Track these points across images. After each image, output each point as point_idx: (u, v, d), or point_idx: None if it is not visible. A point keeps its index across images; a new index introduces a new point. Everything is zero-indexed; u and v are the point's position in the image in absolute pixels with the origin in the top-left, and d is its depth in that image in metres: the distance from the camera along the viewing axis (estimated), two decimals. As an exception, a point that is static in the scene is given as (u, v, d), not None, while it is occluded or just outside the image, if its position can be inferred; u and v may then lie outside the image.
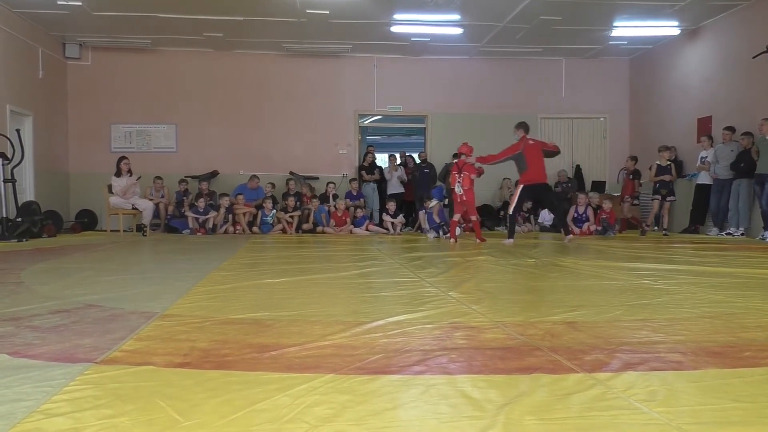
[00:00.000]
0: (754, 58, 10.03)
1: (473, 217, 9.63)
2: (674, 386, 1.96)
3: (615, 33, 12.22)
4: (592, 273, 5.32)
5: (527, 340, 2.59)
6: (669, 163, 11.06)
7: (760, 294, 3.95)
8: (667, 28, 11.95)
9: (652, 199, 11.12)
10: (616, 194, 12.91)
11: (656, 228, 11.44)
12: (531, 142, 8.85)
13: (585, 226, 11.21)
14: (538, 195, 9.48)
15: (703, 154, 11.17)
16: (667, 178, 10.91)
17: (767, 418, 1.68)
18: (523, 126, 8.99)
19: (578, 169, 14.25)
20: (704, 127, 11.73)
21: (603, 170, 14.27)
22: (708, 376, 2.10)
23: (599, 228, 11.36)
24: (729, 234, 10.13)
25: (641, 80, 14.11)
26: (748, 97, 10.62)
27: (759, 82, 10.28)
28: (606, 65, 14.38)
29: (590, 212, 11.50)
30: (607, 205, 11.66)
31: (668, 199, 11.03)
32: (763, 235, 9.56)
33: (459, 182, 9.34)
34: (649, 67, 13.73)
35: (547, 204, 10.28)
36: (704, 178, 11.11)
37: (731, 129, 10.55)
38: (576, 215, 11.31)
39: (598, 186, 13.33)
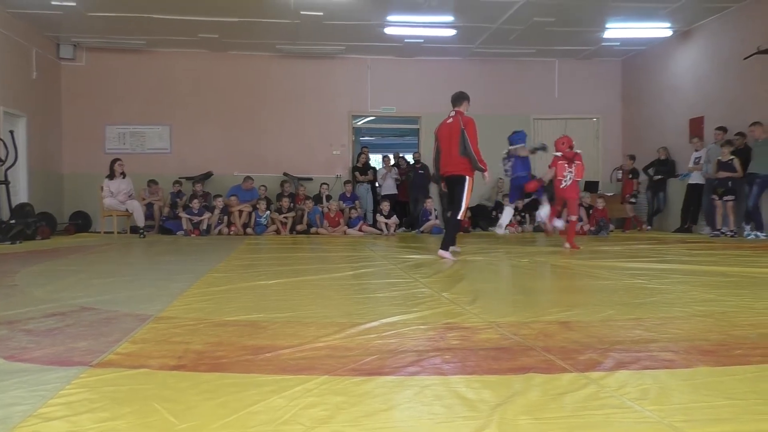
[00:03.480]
0: (745, 59, 10.09)
1: (573, 217, 8.14)
2: (666, 384, 1.97)
3: (608, 34, 12.28)
4: (586, 273, 5.34)
5: (521, 340, 2.61)
6: (732, 158, 10.11)
7: (751, 292, 3.98)
8: (660, 29, 12.01)
9: (710, 198, 10.56)
10: (608, 194, 12.98)
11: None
12: (449, 120, 6.80)
13: (579, 226, 11.24)
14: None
15: (695, 154, 11.24)
16: (722, 175, 10.19)
17: (758, 414, 1.69)
18: (451, 100, 7.01)
19: (571, 169, 14.29)
20: (696, 127, 11.79)
21: (596, 170, 14.31)
22: (700, 374, 2.12)
23: (593, 228, 11.40)
24: (721, 233, 10.18)
25: (634, 81, 14.17)
26: (739, 98, 10.68)
27: (750, 83, 10.34)
28: (599, 66, 14.44)
29: (583, 212, 11.55)
30: (600, 204, 11.72)
31: (725, 198, 10.23)
32: (748, 233, 9.65)
33: (571, 172, 7.89)
34: (642, 68, 13.79)
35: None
36: (696, 178, 11.17)
37: (723, 129, 10.61)
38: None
39: (592, 186, 13.38)
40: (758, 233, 9.55)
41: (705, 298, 3.76)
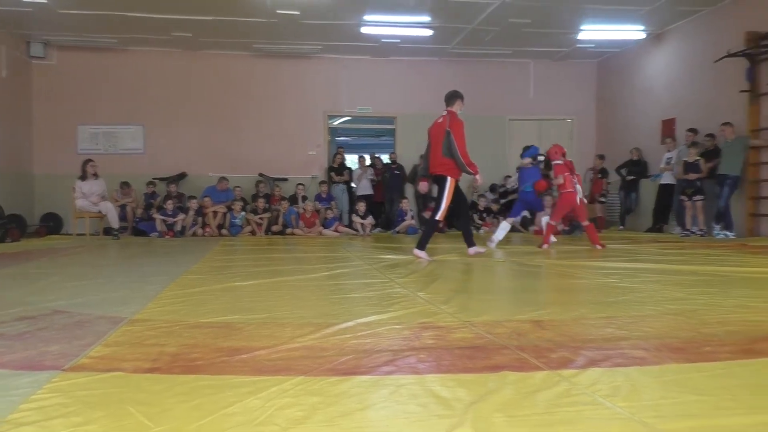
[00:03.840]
0: (716, 62, 10.28)
1: (586, 222, 8.11)
2: (637, 381, 2.01)
3: (582, 36, 12.42)
4: (559, 272, 5.41)
5: (495, 339, 2.63)
6: (698, 159, 10.25)
7: (720, 291, 4.06)
8: (633, 32, 12.18)
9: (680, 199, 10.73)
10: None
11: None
12: (439, 120, 6.76)
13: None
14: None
15: (668, 155, 11.42)
16: (691, 176, 10.33)
17: (726, 410, 1.73)
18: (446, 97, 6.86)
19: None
20: (668, 128, 11.99)
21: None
22: (669, 371, 2.16)
23: (566, 228, 11.52)
24: (691, 232, 10.36)
25: (608, 83, 14.35)
26: (710, 100, 10.88)
27: (721, 86, 10.53)
28: (573, 68, 14.60)
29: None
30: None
31: (695, 198, 10.36)
32: (718, 232, 9.85)
33: (575, 182, 7.92)
34: (616, 70, 13.98)
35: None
36: (668, 179, 11.35)
37: (694, 131, 10.80)
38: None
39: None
40: (728, 233, 9.74)
41: (675, 297, 3.83)
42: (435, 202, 6.75)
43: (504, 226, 8.57)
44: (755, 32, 9.70)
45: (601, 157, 13.02)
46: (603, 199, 12.77)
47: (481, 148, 13.94)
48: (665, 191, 11.46)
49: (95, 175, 11.04)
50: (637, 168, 12.52)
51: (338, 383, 2.02)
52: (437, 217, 6.66)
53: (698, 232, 10.27)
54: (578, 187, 7.96)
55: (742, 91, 9.95)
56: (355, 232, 12.22)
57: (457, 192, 6.68)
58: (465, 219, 7.38)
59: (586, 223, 8.10)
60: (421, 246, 6.58)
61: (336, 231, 12.18)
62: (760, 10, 9.77)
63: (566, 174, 7.93)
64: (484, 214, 12.89)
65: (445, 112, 6.72)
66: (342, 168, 13.51)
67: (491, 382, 2.00)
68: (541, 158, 8.85)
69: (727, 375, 2.10)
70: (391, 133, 14.87)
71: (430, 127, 6.85)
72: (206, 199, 12.17)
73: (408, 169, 13.69)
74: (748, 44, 9.77)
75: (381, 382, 2.04)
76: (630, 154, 12.63)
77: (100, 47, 12.87)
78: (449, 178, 6.55)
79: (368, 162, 13.82)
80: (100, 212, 10.98)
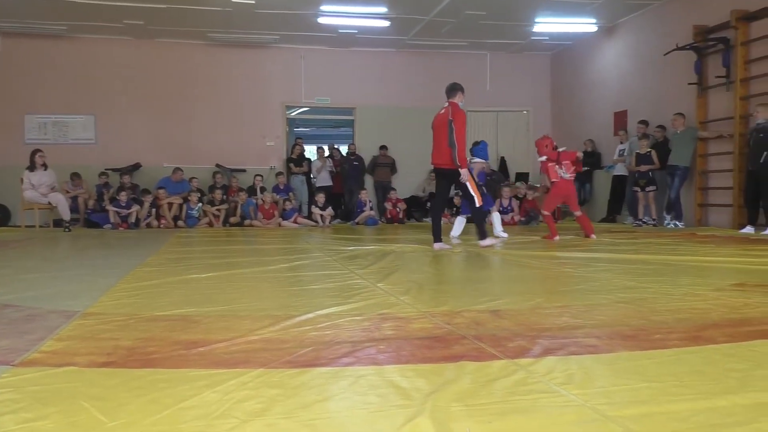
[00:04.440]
0: (665, 55, 10.53)
1: (578, 213, 8.07)
2: (590, 369, 2.06)
3: (537, 29, 12.57)
4: (516, 262, 5.49)
5: (453, 329, 2.67)
6: (649, 150, 10.50)
7: (670, 279, 4.17)
8: (586, 25, 12.39)
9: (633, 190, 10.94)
10: (537, 185, 13.32)
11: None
12: (441, 111, 6.81)
13: (509, 216, 11.51)
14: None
15: (620, 146, 11.68)
16: (643, 168, 10.52)
17: (674, 396, 1.79)
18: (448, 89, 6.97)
19: (503, 160, 14.63)
20: (620, 120, 12.25)
21: (526, 162, 14.66)
22: (621, 358, 2.22)
23: (523, 218, 11.70)
24: (643, 222, 10.63)
25: (562, 75, 14.58)
26: (660, 93, 11.15)
27: (670, 78, 10.81)
28: (529, 60, 14.78)
29: (515, 203, 11.85)
30: (530, 195, 12.03)
31: (647, 189, 10.55)
32: (668, 222, 10.13)
33: (562, 169, 7.79)
34: (569, 62, 14.21)
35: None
36: (621, 170, 11.61)
37: (645, 123, 11.07)
38: (501, 208, 11.59)
39: (522, 177, 13.72)
40: (677, 222, 10.02)
41: (627, 286, 3.93)
42: (465, 196, 6.82)
43: (460, 220, 8.64)
44: (702, 26, 9.97)
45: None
46: None
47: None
48: (618, 182, 11.72)
49: (44, 166, 10.72)
50: (590, 159, 12.75)
51: (298, 375, 2.02)
52: (477, 204, 6.70)
53: (650, 222, 10.54)
54: (559, 171, 7.80)
55: (691, 83, 10.23)
56: (314, 224, 12.17)
57: (449, 182, 6.81)
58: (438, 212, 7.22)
59: (578, 213, 8.06)
60: (483, 236, 6.71)
61: (295, 222, 12.11)
62: (706, 4, 10.04)
63: (549, 165, 7.82)
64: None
65: (446, 104, 6.76)
66: (301, 159, 13.42)
67: (450, 372, 2.02)
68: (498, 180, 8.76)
69: (676, 362, 2.16)
70: (350, 124, 14.84)
71: (433, 120, 6.87)
72: (161, 190, 11.94)
73: (367, 161, 13.70)
74: (695, 38, 10.04)
75: (341, 374, 2.05)
76: (584, 145, 12.87)
77: (48, 34, 12.45)
78: (463, 169, 6.57)
79: (327, 153, 13.77)
80: (49, 204, 10.68)
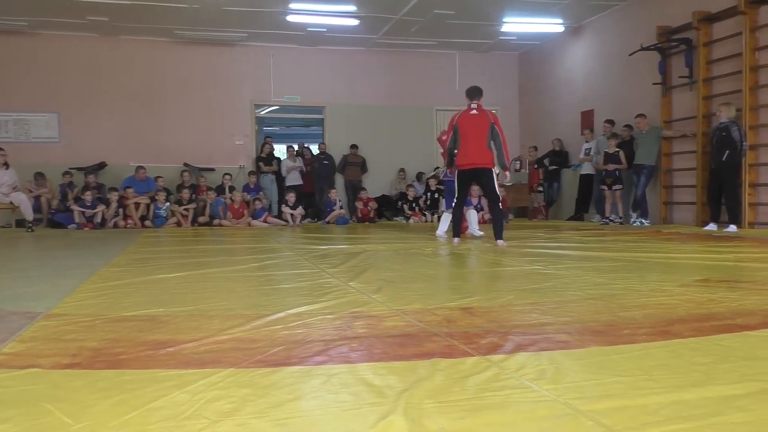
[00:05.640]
0: (630, 55, 10.71)
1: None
2: (561, 364, 2.07)
3: (505, 28, 12.68)
4: (487, 260, 5.52)
5: (426, 327, 2.66)
6: (617, 150, 10.64)
7: (637, 276, 4.24)
8: (552, 25, 12.54)
9: (600, 189, 11.06)
10: (507, 183, 13.42)
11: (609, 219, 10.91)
12: (473, 112, 6.95)
13: (480, 215, 11.56)
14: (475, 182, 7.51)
15: (586, 145, 11.84)
16: (610, 167, 10.68)
17: (644, 390, 1.81)
18: (467, 93, 7.28)
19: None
20: (587, 120, 12.42)
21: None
22: (591, 353, 2.24)
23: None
24: (610, 220, 10.79)
25: (529, 75, 14.73)
26: (626, 92, 11.34)
27: (635, 78, 11.00)
28: (497, 59, 14.90)
29: (484, 202, 11.89)
30: (501, 193, 12.09)
31: (614, 187, 10.72)
32: (635, 220, 10.31)
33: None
34: (537, 62, 14.36)
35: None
36: (588, 169, 11.77)
37: (611, 122, 11.24)
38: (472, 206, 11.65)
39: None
40: (643, 220, 10.20)
41: (596, 282, 3.97)
42: (490, 195, 7.12)
43: (446, 217, 8.69)
44: (666, 27, 10.17)
45: (535, 148, 13.34)
46: (541, 189, 13.07)
47: (409, 138, 14.12)
48: (585, 181, 11.88)
49: (5, 165, 10.48)
50: (558, 158, 12.92)
51: (269, 374, 1.99)
52: (500, 204, 7.09)
53: (617, 220, 10.70)
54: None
55: (655, 83, 10.42)
56: (284, 223, 12.10)
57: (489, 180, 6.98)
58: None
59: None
60: (500, 236, 6.80)
61: (265, 222, 12.02)
62: (670, 5, 10.24)
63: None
64: (413, 204, 12.99)
65: (475, 106, 6.95)
66: (270, 158, 13.33)
67: (422, 369, 2.01)
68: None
69: (645, 356, 2.19)
70: (320, 122, 14.78)
71: (459, 119, 7.00)
72: (129, 189, 11.74)
73: (337, 159, 13.67)
74: (659, 38, 10.23)
75: (313, 372, 2.03)
76: (552, 144, 13.02)
77: (8, 30, 12.15)
78: (492, 169, 6.92)
79: (297, 151, 13.70)
80: (11, 203, 10.42)
